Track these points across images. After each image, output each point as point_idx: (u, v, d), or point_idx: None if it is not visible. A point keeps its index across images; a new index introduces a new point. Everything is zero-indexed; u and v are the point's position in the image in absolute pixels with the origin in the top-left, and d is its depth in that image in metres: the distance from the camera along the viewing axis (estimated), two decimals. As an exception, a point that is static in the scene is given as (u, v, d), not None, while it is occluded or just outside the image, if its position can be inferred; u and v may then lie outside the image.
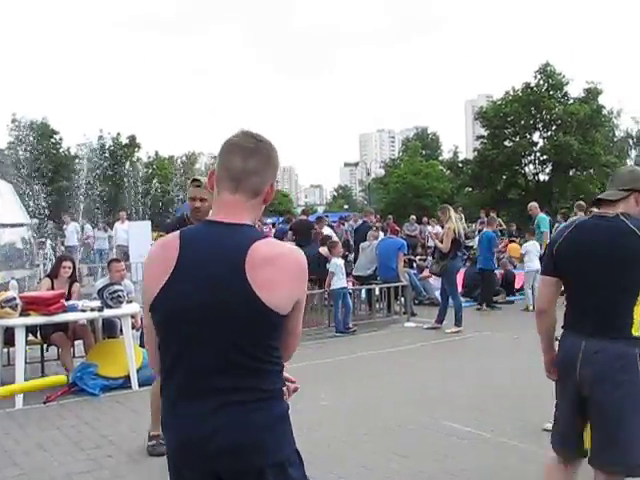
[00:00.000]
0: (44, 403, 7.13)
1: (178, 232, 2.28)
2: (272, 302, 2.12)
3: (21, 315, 7.24)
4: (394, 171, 56.73)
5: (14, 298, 7.21)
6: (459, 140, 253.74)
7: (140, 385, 7.49)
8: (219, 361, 2.11)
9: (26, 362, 7.66)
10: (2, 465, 5.38)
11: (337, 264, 11.65)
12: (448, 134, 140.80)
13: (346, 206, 76.78)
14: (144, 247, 19.12)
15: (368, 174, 56.23)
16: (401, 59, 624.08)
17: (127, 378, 7.66)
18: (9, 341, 7.88)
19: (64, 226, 22.14)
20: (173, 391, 2.20)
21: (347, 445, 5.78)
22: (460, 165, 49.35)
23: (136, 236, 20.33)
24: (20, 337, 7.19)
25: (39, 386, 3.27)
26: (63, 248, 21.34)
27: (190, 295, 2.13)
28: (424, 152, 63.49)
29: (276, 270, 2.14)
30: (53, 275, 8.54)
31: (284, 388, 2.32)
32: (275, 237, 18.31)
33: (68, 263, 8.56)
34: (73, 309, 7.59)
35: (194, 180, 5.54)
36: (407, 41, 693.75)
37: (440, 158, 63.81)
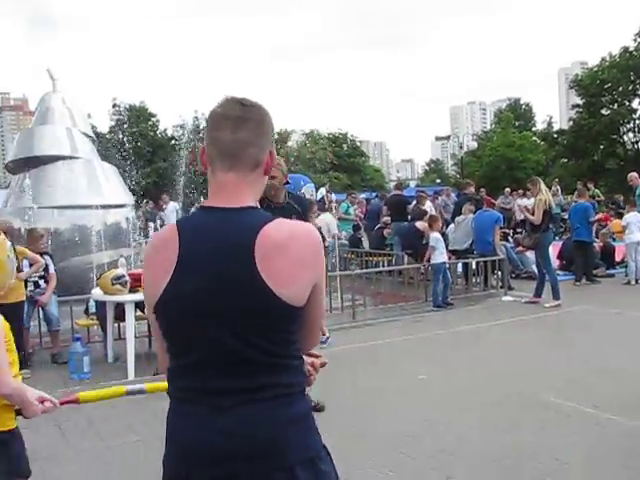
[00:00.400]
0: (154, 374, 7.44)
1: (175, 225, 2.01)
2: (287, 295, 1.88)
3: (130, 292, 7.56)
4: (487, 144, 55.76)
5: (124, 275, 7.54)
6: (553, 110, 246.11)
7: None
8: (233, 359, 1.88)
9: (135, 336, 7.98)
10: (123, 432, 5.68)
11: (437, 238, 11.60)
12: (541, 104, 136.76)
13: (438, 180, 75.97)
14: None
15: (461, 147, 55.40)
16: (492, 29, 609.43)
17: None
18: (119, 316, 8.27)
19: (163, 206, 22.75)
20: (184, 392, 1.97)
21: (446, 419, 5.82)
22: (555, 136, 48.11)
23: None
24: (130, 313, 7.52)
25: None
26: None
27: (196, 294, 1.88)
28: (517, 123, 62.10)
29: (289, 259, 1.89)
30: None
31: (309, 366, 2.13)
32: (370, 213, 18.32)
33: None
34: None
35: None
36: (507, 7, 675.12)
37: (534, 129, 62.29)
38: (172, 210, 22.25)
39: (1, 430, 2.94)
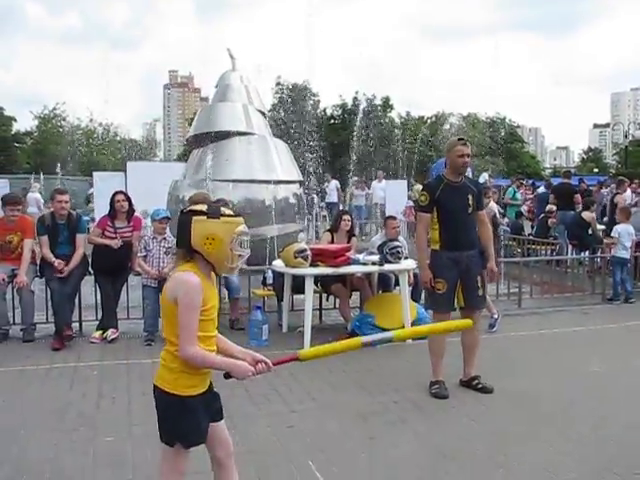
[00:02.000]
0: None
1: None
2: None
3: (310, 265, 7.78)
4: (654, 133, 52.69)
5: (306, 249, 7.76)
6: None
7: (414, 338, 7.77)
8: None
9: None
10: (304, 399, 5.91)
11: (623, 231, 11.02)
12: None
13: (596, 170, 72.63)
14: (400, 205, 19.61)
15: (626, 136, 52.65)
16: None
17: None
18: (294, 289, 8.53)
19: (325, 184, 23.12)
20: None
21: (627, 413, 5.63)
22: None
23: (393, 194, 20.85)
24: (309, 285, 7.72)
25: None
26: (324, 205, 22.38)
27: None
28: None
29: None
30: (334, 229, 9.02)
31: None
32: (538, 202, 17.79)
33: (347, 217, 9.02)
34: (356, 262, 8.00)
35: (460, 139, 6.21)
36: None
37: None
38: (333, 188, 22.64)
39: (175, 393, 3.08)
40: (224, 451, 3.31)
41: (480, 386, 6.18)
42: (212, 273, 3.19)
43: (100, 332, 8.11)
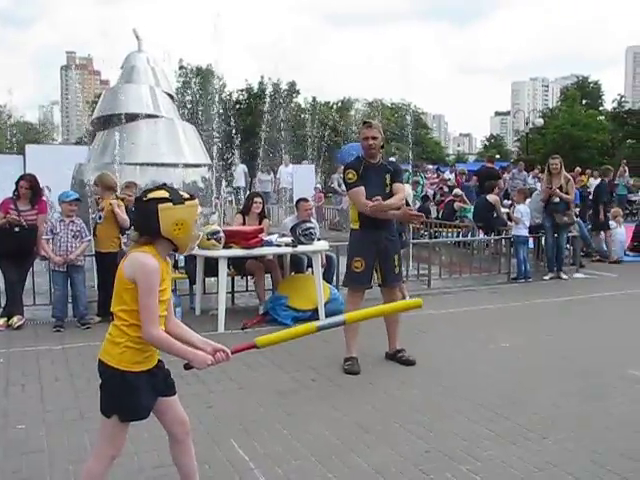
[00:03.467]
0: (242, 329, 7.71)
1: None
2: None
3: (223, 248, 7.77)
4: (551, 121, 54.70)
5: (219, 231, 7.75)
6: (620, 90, 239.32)
7: (327, 317, 7.88)
8: None
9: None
10: (221, 379, 5.95)
11: (523, 211, 11.63)
12: (608, 84, 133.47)
13: (497, 156, 74.74)
14: (308, 189, 19.71)
15: (526, 123, 54.46)
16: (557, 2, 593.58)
17: (315, 311, 8.08)
18: (206, 271, 8.51)
19: (232, 168, 22.99)
20: None
21: (536, 385, 5.91)
22: (625, 116, 46.76)
23: (301, 179, 20.94)
24: (223, 268, 7.73)
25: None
26: (231, 189, 22.27)
27: None
28: (584, 102, 60.72)
29: None
30: (245, 211, 9.03)
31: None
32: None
33: (259, 199, 9.03)
34: (269, 244, 8.05)
35: (365, 122, 6.49)
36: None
37: (601, 108, 60.79)
38: (241, 172, 22.55)
39: (117, 367, 3.11)
40: (180, 427, 3.36)
41: (404, 358, 6.45)
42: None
43: (4, 319, 7.88)
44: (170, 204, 3.06)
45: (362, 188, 6.28)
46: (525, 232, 11.62)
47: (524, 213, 11.59)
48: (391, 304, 5.33)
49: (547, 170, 12.04)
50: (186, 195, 3.15)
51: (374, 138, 6.28)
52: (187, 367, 3.22)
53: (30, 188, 8.04)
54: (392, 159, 7.16)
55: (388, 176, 6.34)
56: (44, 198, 8.40)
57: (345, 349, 6.43)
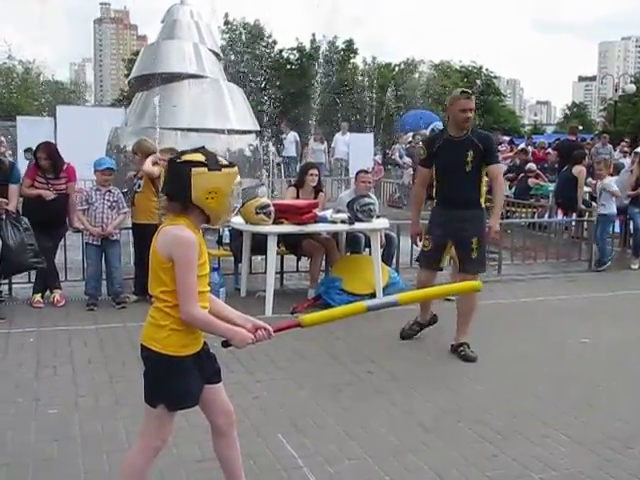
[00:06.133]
0: (291, 313, 7.77)
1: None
2: None
3: (273, 223, 7.83)
4: (646, 87, 53.37)
5: (269, 205, 7.79)
6: None
7: (385, 303, 7.91)
8: None
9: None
10: (270, 369, 6.04)
11: (607, 185, 11.32)
12: None
13: (580, 127, 73.41)
14: (366, 161, 19.66)
15: (616, 90, 53.25)
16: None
17: (372, 295, 8.07)
18: (254, 249, 8.59)
19: (282, 135, 23.03)
20: None
21: (619, 385, 5.86)
22: None
23: (358, 149, 20.89)
24: (272, 245, 7.79)
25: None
26: (280, 159, 22.34)
27: None
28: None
29: None
30: (299, 184, 9.06)
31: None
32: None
33: (314, 171, 9.04)
34: (324, 220, 8.07)
35: (463, 92, 6.44)
36: None
37: None
38: (292, 140, 22.57)
39: (164, 352, 3.17)
40: (224, 418, 3.43)
41: (463, 353, 6.42)
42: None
43: (39, 295, 8.08)
44: (205, 169, 3.08)
45: (426, 172, 6.50)
46: (613, 209, 11.31)
47: (611, 187, 11.29)
48: (447, 286, 5.37)
49: (638, 162, 11.79)
50: (225, 162, 3.17)
51: (471, 110, 6.32)
52: (225, 344, 3.26)
53: (49, 158, 8.15)
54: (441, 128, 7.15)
55: (471, 153, 6.29)
56: (71, 164, 8.47)
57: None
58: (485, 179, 6.54)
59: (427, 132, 19.70)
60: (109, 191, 8.12)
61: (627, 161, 17.62)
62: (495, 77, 70.65)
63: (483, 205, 6.51)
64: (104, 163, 8.25)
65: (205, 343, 3.35)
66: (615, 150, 21.48)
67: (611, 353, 6.79)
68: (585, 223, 12.37)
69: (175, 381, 3.19)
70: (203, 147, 3.25)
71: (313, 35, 50.08)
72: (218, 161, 3.13)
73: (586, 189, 14.30)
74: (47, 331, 7.08)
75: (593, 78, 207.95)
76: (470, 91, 6.57)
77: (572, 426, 4.97)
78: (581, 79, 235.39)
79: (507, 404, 5.39)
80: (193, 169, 3.07)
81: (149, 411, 3.26)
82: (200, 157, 3.11)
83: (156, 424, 3.28)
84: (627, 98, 52.69)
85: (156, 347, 3.18)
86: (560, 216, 13.74)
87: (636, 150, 15.33)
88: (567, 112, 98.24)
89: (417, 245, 7.11)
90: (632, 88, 48.38)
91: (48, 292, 8.20)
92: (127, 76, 15.39)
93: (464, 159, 6.29)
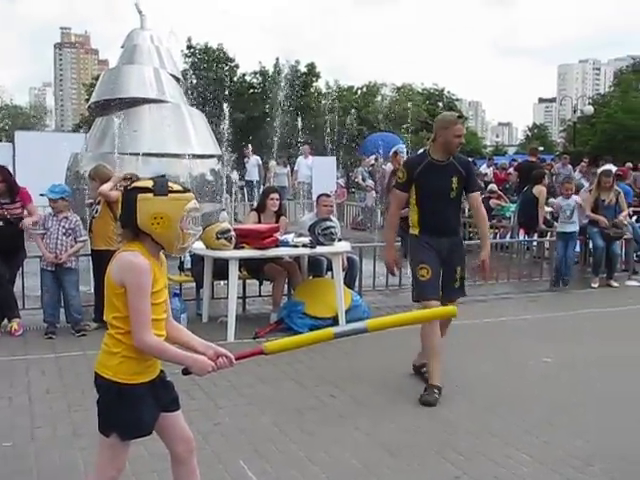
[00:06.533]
0: (254, 338, 7.73)
1: None
2: None
3: (235, 248, 7.80)
4: (603, 109, 54.25)
5: (229, 230, 7.77)
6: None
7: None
8: None
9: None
10: (232, 395, 5.99)
11: (569, 204, 11.37)
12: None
13: (541, 148, 74.22)
14: (329, 184, 19.70)
15: (574, 111, 54.07)
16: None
17: (335, 319, 8.09)
18: (215, 274, 8.55)
19: (245, 159, 23.05)
20: None
21: (581, 406, 5.90)
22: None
23: (321, 172, 20.93)
24: (233, 270, 7.75)
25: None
26: (243, 183, 22.34)
27: None
28: (640, 87, 60.08)
29: None
30: (260, 208, 9.06)
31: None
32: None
33: (276, 195, 9.05)
34: (285, 244, 8.07)
35: (460, 116, 6.28)
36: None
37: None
38: (254, 164, 22.61)
39: (115, 380, 3.13)
40: (184, 445, 3.38)
41: (427, 375, 6.27)
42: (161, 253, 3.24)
43: (-6, 324, 7.97)
44: (150, 194, 3.08)
45: (403, 195, 6.21)
46: (573, 228, 11.40)
47: (572, 207, 11.36)
48: (422, 311, 5.27)
49: (597, 183, 11.97)
50: (177, 187, 3.17)
51: (459, 136, 6.10)
52: (185, 372, 3.22)
53: (4, 181, 8.06)
54: (421, 151, 6.91)
55: (456, 179, 6.10)
56: (25, 189, 8.36)
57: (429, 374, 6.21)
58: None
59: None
60: (65, 217, 8.03)
61: (586, 182, 17.90)
62: (457, 99, 71.48)
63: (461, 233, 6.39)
64: (52, 191, 8.07)
65: (162, 371, 3.31)
66: (575, 170, 21.79)
67: (572, 372, 6.85)
68: (547, 243, 12.49)
69: (127, 410, 3.14)
70: (164, 175, 3.26)
71: (277, 59, 50.35)
72: (167, 187, 3.12)
73: (547, 209, 14.46)
74: (4, 361, 6.96)
75: (553, 100, 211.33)
76: (464, 115, 6.36)
77: (534, 446, 4.99)
78: (541, 101, 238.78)
79: (470, 425, 5.40)
80: (139, 194, 3.08)
81: (103, 440, 3.22)
82: (148, 183, 3.12)
83: (110, 454, 3.23)
84: (585, 119, 53.46)
85: (107, 375, 3.14)
86: (522, 236, 13.86)
87: (595, 171, 15.54)
88: (528, 133, 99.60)
89: (393, 274, 6.78)
90: (590, 110, 49.15)
91: (6, 321, 8.07)
92: (88, 101, 15.28)
93: (450, 185, 6.09)
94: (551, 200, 14.62)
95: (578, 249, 12.83)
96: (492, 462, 4.70)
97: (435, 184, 6.08)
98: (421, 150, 6.66)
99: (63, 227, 8.00)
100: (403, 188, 6.23)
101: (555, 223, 12.77)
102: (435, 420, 5.51)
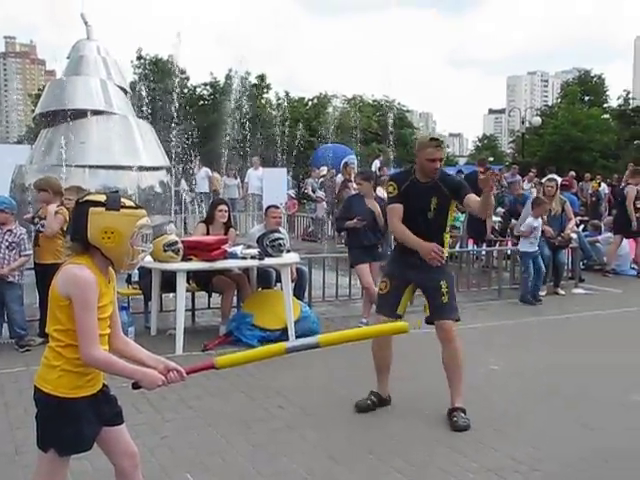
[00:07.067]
0: (202, 351, 7.71)
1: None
2: None
3: (182, 260, 7.77)
4: (550, 121, 55.16)
5: (177, 242, 7.75)
6: (628, 85, 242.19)
7: (298, 337, 7.90)
8: None
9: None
10: (180, 408, 5.96)
11: (533, 225, 11.21)
12: (614, 79, 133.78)
13: (491, 158, 75.04)
14: (279, 195, 19.74)
15: (522, 122, 54.84)
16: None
17: (284, 330, 8.12)
18: (163, 287, 8.51)
19: (194, 171, 22.95)
20: None
21: (526, 412, 5.98)
22: (631, 114, 47.05)
23: (271, 184, 20.96)
24: (181, 282, 7.73)
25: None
26: (193, 195, 22.21)
27: None
28: (586, 98, 61.22)
29: None
30: (209, 220, 9.04)
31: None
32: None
33: (224, 207, 9.04)
34: (234, 256, 8.06)
35: (433, 139, 5.99)
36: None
37: (605, 105, 61.27)
38: (204, 176, 22.53)
39: (54, 394, 3.11)
40: (128, 460, 3.35)
41: (455, 420, 5.72)
42: (110, 268, 3.22)
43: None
44: (102, 209, 3.08)
45: (400, 207, 5.99)
46: (535, 248, 11.34)
47: (535, 227, 11.25)
48: (374, 326, 5.22)
49: (542, 192, 12.19)
50: (129, 203, 3.16)
51: (441, 160, 5.91)
52: (135, 387, 3.21)
53: None
54: (377, 162, 6.85)
55: (435, 199, 5.91)
56: None
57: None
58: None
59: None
60: (10, 230, 7.92)
61: (534, 192, 18.20)
62: (408, 111, 72.05)
63: (446, 254, 6.03)
64: None
65: (105, 385, 3.29)
66: (523, 180, 22.09)
67: (521, 379, 6.94)
68: (495, 252, 12.65)
69: (66, 424, 3.11)
70: (117, 190, 3.27)
71: (229, 70, 50.25)
72: (120, 202, 3.12)
73: (495, 219, 14.68)
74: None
75: (502, 111, 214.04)
76: (441, 140, 6.10)
77: (482, 453, 5.05)
78: (491, 112, 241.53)
79: (419, 434, 5.44)
80: (91, 208, 3.07)
81: (41, 455, 3.19)
82: (101, 197, 3.12)
83: (48, 469, 3.20)
84: (534, 130, 54.30)
85: (47, 388, 3.12)
86: (471, 246, 14.03)
87: (541, 180, 15.82)
88: (478, 144, 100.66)
89: (440, 259, 5.88)
90: (538, 121, 49.91)
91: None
92: (34, 112, 15.14)
93: (428, 205, 5.92)
94: (499, 210, 14.85)
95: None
96: (440, 470, 4.74)
97: (413, 203, 5.95)
98: (409, 166, 6.51)
99: (6, 240, 7.88)
100: (397, 200, 6.04)
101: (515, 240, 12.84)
102: (384, 430, 5.54)
